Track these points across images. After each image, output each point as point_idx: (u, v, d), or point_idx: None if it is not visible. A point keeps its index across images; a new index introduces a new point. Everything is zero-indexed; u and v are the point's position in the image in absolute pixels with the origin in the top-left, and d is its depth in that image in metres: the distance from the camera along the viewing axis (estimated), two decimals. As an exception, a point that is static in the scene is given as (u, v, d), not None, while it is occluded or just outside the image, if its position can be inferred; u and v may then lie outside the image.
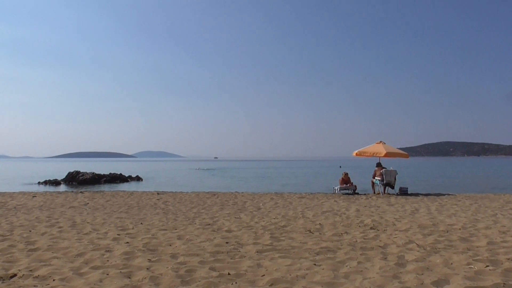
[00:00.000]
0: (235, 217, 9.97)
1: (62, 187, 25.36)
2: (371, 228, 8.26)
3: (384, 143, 18.33)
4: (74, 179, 28.92)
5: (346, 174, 17.84)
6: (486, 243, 6.66)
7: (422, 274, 4.94)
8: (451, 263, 5.42)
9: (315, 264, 5.39)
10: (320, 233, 7.71)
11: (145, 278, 4.81)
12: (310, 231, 7.92)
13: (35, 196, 16.01)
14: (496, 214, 10.48)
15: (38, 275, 4.91)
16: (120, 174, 31.89)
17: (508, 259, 5.60)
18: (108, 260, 5.63)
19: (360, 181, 22.16)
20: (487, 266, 5.25)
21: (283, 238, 7.20)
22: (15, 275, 4.95)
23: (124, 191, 19.81)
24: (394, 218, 9.60)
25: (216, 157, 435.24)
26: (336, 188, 17.45)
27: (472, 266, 5.25)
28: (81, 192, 18.70)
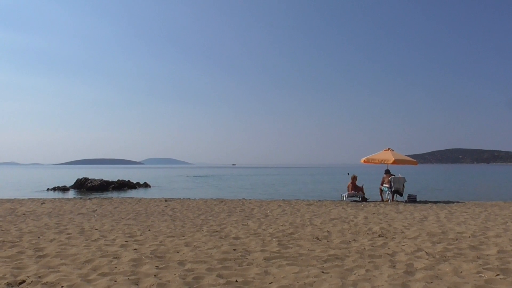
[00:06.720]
0: (242, 224, 9.96)
1: (71, 194, 25.54)
2: (379, 236, 8.20)
3: (393, 150, 18.25)
4: (83, 186, 29.13)
5: (356, 177, 17.60)
6: (496, 252, 6.57)
7: (431, 282, 4.89)
8: (461, 272, 5.35)
9: (323, 272, 5.36)
10: (328, 241, 7.68)
11: (152, 285, 4.82)
12: (318, 239, 7.89)
13: (44, 203, 16.14)
14: (507, 222, 10.35)
15: (47, 282, 4.94)
16: (128, 180, 31.95)
17: (519, 267, 5.53)
18: (116, 267, 5.65)
19: (368, 188, 22.02)
20: (498, 275, 5.18)
21: (290, 246, 7.17)
22: (23, 281, 4.99)
23: (132, 197, 19.91)
24: (403, 226, 9.53)
25: (234, 164, 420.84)
26: (344, 195, 17.36)
27: (482, 275, 5.18)
28: (89, 198, 18.82)
